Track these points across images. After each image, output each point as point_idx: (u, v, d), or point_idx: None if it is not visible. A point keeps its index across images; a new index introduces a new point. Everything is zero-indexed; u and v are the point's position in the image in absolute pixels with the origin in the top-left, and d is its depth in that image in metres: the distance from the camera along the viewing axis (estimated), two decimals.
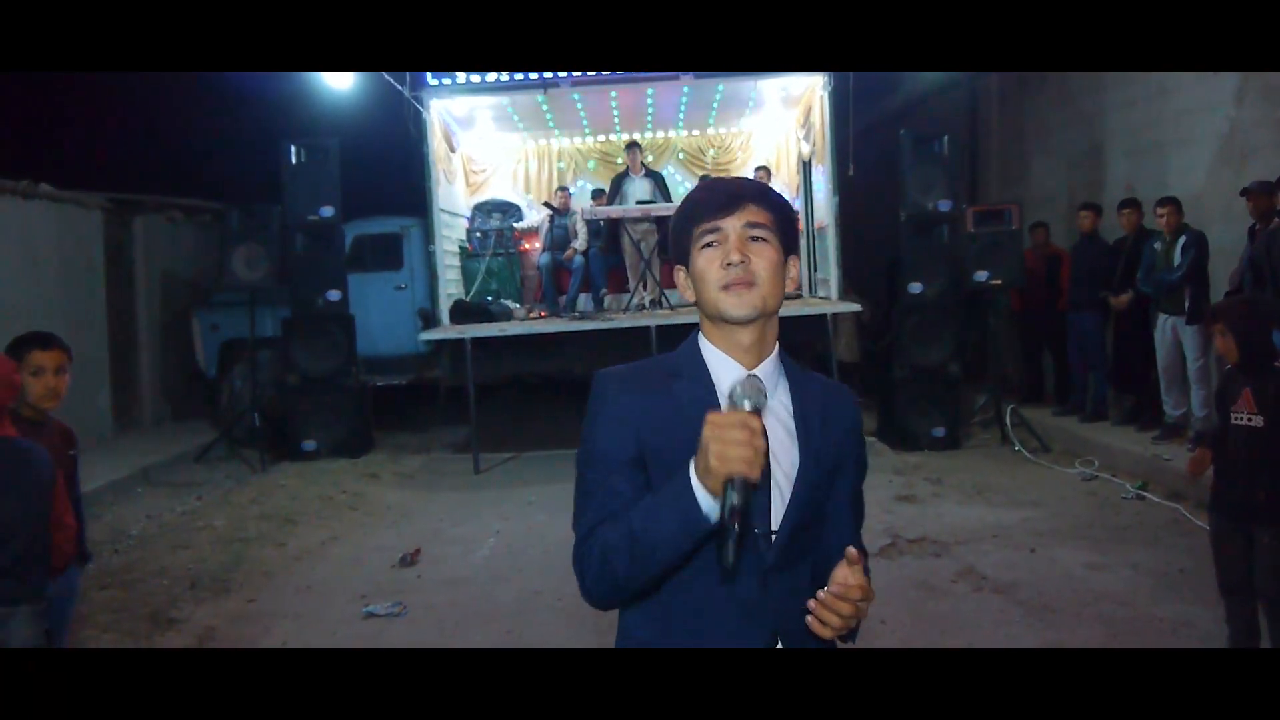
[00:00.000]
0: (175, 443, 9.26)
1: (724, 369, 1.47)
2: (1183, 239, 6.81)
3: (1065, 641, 4.03)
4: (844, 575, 1.37)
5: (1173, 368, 7.01)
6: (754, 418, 1.28)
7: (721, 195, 1.47)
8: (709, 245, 1.45)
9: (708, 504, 1.30)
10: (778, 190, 8.73)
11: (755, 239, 1.44)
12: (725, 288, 1.42)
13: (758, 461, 1.25)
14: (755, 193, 1.48)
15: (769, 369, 1.48)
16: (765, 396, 1.33)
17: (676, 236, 1.52)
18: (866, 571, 1.42)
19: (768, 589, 1.44)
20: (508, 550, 5.78)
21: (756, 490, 1.33)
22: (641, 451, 1.45)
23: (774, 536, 1.45)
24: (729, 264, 1.42)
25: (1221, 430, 3.49)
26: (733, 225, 1.44)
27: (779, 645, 1.47)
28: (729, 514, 1.26)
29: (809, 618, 1.38)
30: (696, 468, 1.30)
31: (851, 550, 1.38)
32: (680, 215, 1.51)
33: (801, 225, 10.33)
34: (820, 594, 1.37)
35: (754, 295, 1.42)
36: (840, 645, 1.54)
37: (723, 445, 1.25)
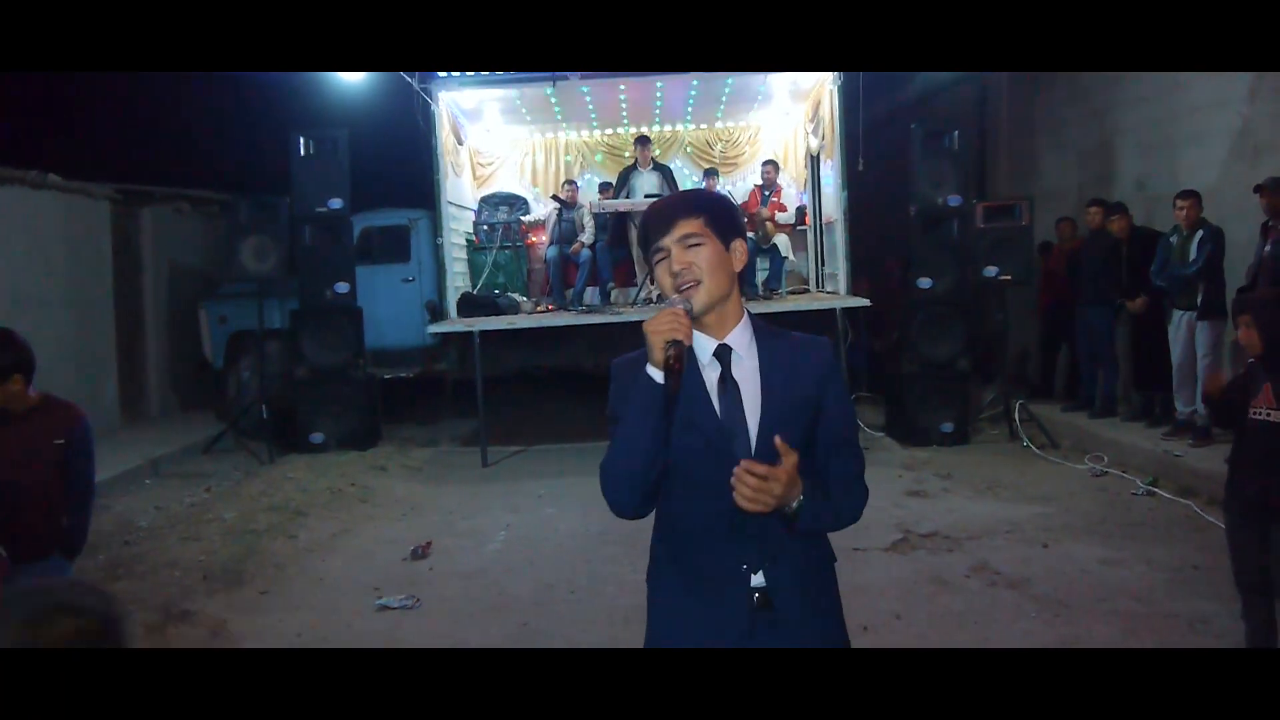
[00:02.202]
0: (183, 434, 9.27)
1: (700, 341, 1.84)
2: (1200, 233, 6.72)
3: (1080, 637, 4.03)
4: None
5: (1186, 364, 6.91)
6: (679, 311, 1.72)
7: (658, 220, 1.83)
8: (660, 261, 1.82)
9: (657, 373, 1.71)
10: (787, 182, 8.62)
11: (691, 246, 1.79)
12: (678, 290, 1.78)
13: (681, 328, 1.69)
14: (684, 207, 1.82)
15: (736, 337, 1.83)
16: (693, 304, 1.76)
17: (642, 255, 1.97)
18: (824, 479, 1.80)
19: (749, 513, 1.71)
20: (519, 543, 5.77)
21: (690, 349, 1.75)
22: None
23: None
24: (675, 274, 1.79)
25: (1238, 425, 3.46)
26: (671, 242, 1.79)
27: (763, 562, 1.79)
28: (670, 358, 1.68)
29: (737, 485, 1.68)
30: (649, 360, 1.71)
31: (778, 440, 1.70)
32: (639, 240, 1.81)
33: (809, 220, 10.33)
34: (739, 466, 1.68)
35: (701, 291, 1.78)
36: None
37: (656, 324, 1.70)
